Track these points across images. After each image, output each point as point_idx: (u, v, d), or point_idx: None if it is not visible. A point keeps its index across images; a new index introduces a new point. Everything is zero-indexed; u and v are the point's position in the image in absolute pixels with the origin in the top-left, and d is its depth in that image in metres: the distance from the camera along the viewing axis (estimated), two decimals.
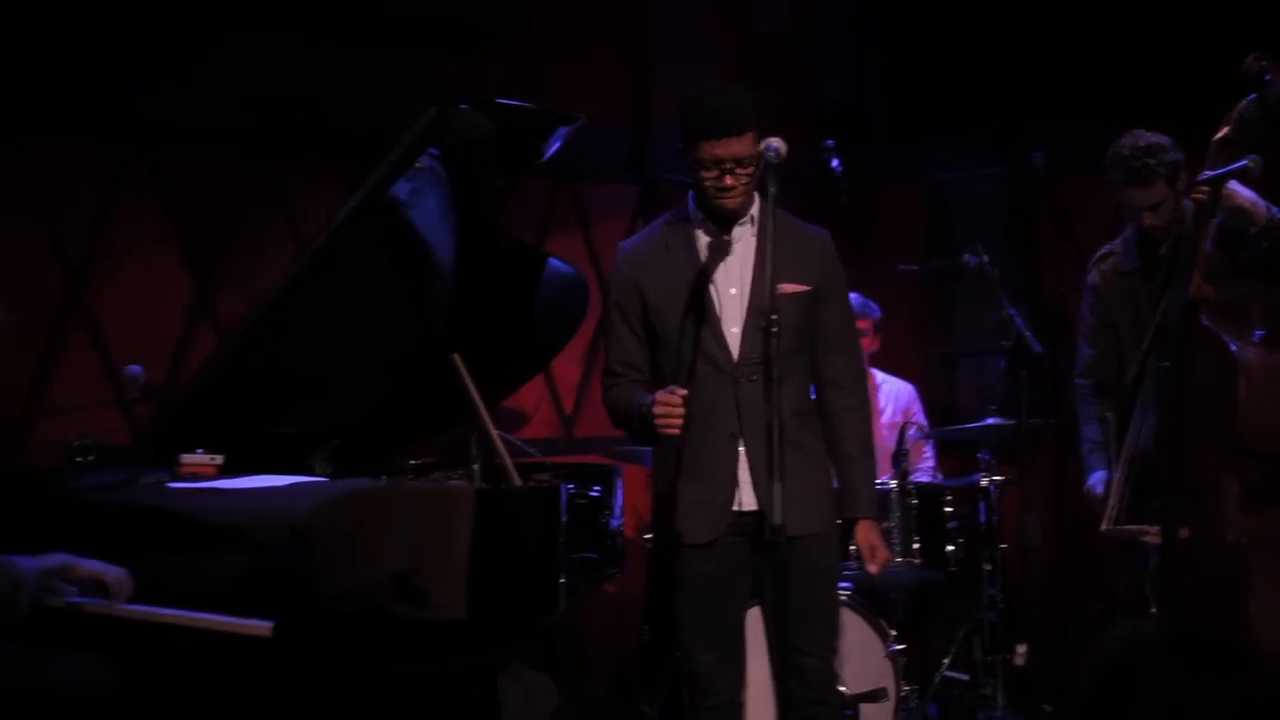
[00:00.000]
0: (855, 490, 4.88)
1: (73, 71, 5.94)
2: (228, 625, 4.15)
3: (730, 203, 4.67)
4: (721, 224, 4.75)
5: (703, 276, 4.74)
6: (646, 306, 4.81)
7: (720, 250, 4.76)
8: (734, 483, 4.72)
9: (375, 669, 4.22)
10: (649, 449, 5.14)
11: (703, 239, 4.78)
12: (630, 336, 4.86)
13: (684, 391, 4.55)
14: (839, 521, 4.90)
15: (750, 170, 4.62)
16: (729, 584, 4.81)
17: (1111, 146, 5.53)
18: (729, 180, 4.62)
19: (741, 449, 4.71)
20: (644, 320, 4.82)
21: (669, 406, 4.52)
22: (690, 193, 4.83)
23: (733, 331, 4.73)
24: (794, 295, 4.64)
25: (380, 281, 5.12)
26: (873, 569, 4.87)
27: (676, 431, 4.55)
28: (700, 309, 4.72)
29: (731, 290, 4.74)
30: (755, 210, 4.77)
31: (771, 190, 4.42)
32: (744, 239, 4.76)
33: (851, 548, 4.97)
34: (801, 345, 4.76)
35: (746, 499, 4.73)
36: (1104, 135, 5.66)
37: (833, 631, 4.92)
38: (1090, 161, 5.87)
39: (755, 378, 4.65)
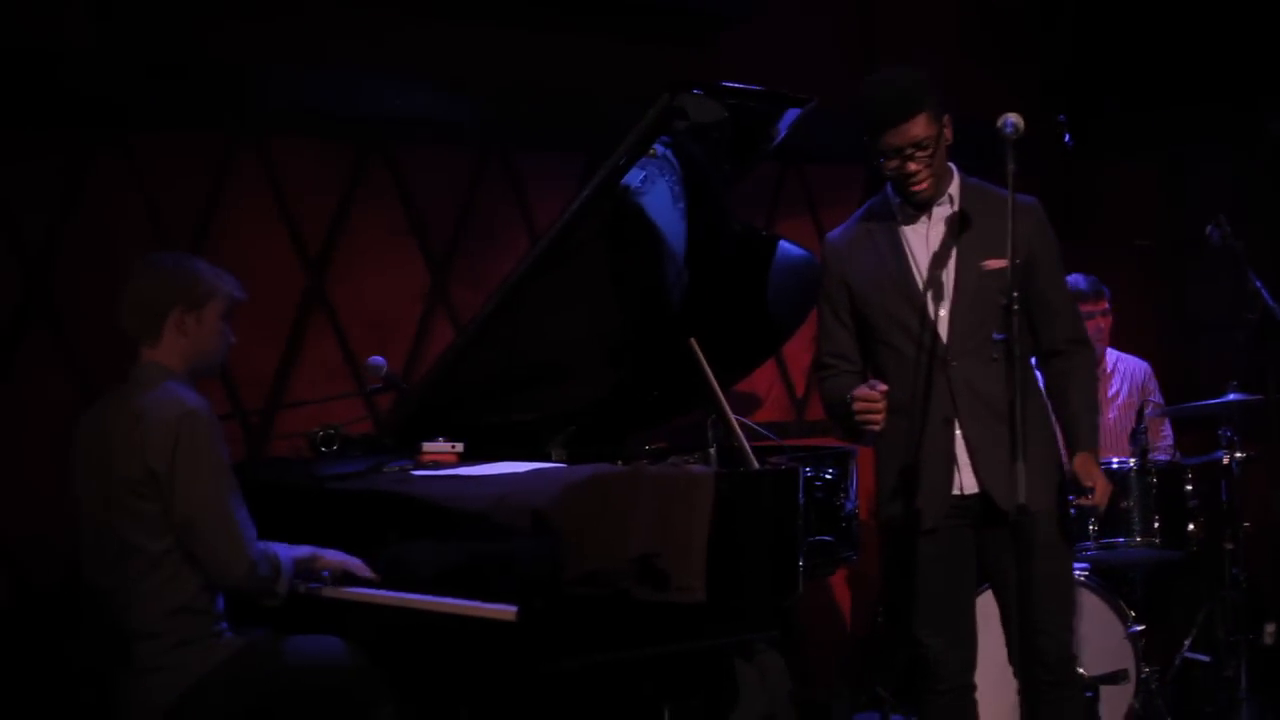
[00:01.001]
0: (1074, 429, 4.77)
1: (311, 69, 6.07)
2: (473, 609, 4.23)
3: (918, 189, 4.63)
4: (920, 207, 4.71)
5: (906, 262, 4.71)
6: (853, 297, 4.79)
7: (921, 234, 4.72)
8: (952, 466, 4.67)
9: (617, 652, 4.26)
10: None
11: (903, 224, 4.74)
12: (840, 328, 4.84)
13: (884, 387, 4.52)
14: (1071, 500, 4.82)
15: (929, 152, 4.58)
16: (954, 568, 4.77)
17: None
18: (911, 166, 4.58)
19: (958, 432, 4.66)
20: (852, 310, 4.80)
21: (868, 402, 4.50)
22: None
23: (941, 314, 4.67)
24: (1001, 270, 4.50)
25: (614, 268, 5.15)
26: (1092, 496, 4.70)
27: (878, 427, 4.54)
28: (906, 295, 4.69)
29: (936, 273, 4.69)
30: (953, 188, 4.73)
31: (1011, 168, 4.33)
32: (944, 219, 4.71)
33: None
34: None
35: (967, 482, 4.68)
36: None
37: (1069, 610, 4.84)
38: None
39: (967, 359, 4.62)
